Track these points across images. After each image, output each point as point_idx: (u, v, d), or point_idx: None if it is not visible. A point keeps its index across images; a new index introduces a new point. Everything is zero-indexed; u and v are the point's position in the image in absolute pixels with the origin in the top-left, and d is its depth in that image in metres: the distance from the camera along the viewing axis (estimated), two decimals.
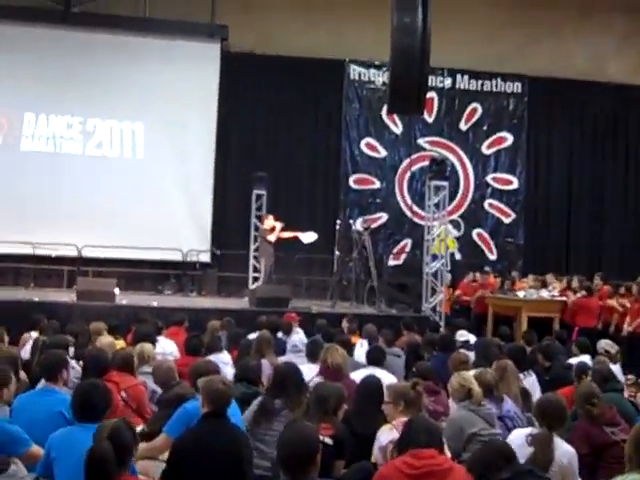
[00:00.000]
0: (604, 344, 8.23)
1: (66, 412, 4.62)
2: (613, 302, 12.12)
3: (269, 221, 13.65)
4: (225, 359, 7.25)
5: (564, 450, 4.56)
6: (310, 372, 6.43)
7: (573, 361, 7.74)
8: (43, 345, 6.60)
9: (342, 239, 14.51)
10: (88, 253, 14.86)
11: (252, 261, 15.26)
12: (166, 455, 4.40)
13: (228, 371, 6.81)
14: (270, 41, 15.94)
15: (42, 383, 5.26)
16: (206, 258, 15.84)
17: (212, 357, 7.23)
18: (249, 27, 15.86)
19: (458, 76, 17.38)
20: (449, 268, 14.82)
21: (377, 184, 17.08)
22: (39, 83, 15.24)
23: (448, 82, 17.33)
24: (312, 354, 6.96)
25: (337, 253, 14.58)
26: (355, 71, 17.10)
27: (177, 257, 15.46)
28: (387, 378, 6.30)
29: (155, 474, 4.53)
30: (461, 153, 17.42)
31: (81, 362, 6.20)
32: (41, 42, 15.25)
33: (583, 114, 17.82)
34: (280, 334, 8.74)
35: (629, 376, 10.01)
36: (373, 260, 13.94)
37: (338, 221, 15.49)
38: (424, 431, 4.08)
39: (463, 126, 17.46)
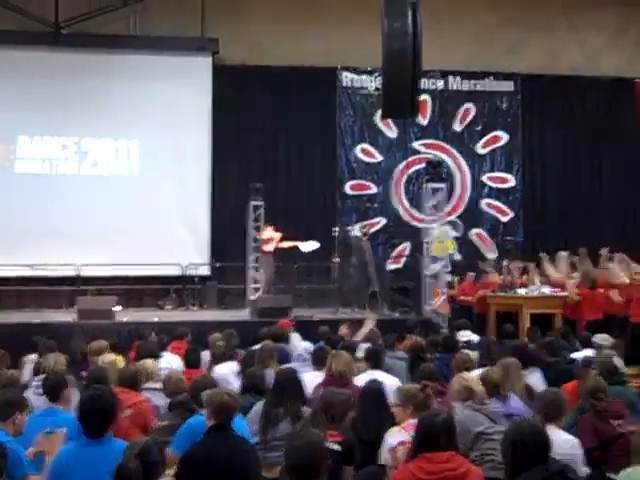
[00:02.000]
0: (597, 338, 8.27)
1: (71, 431, 4.61)
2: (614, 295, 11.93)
3: (267, 232, 13.69)
4: (235, 368, 7.28)
5: (565, 439, 4.59)
6: (316, 379, 6.44)
7: (576, 356, 7.75)
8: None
9: (341, 246, 14.53)
10: (87, 272, 14.86)
11: (250, 272, 15.23)
12: (173, 471, 4.39)
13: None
14: (261, 52, 15.97)
15: (44, 404, 5.23)
16: (205, 271, 15.82)
17: (223, 366, 7.27)
18: (239, 39, 15.91)
19: (450, 77, 17.41)
20: (449, 269, 14.80)
21: (374, 189, 17.09)
22: (32, 106, 15.27)
23: (440, 84, 17.36)
24: (318, 361, 6.96)
25: (336, 260, 14.59)
26: (347, 78, 17.12)
27: (176, 271, 15.42)
28: (388, 380, 6.31)
29: None
30: (456, 154, 17.43)
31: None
32: (32, 64, 15.29)
33: (577, 109, 17.84)
34: (283, 344, 8.73)
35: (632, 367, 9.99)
36: (373, 265, 13.94)
37: (336, 228, 15.49)
38: (440, 431, 4.04)
39: (457, 127, 17.48)
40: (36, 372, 6.66)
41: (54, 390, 5.08)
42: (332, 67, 16.87)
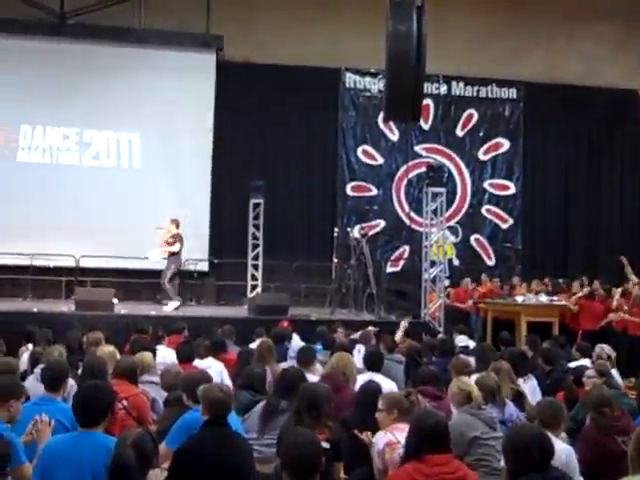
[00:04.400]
0: (602, 349, 8.23)
1: (66, 421, 4.60)
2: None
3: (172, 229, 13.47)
4: (206, 364, 7.24)
5: (562, 448, 4.56)
6: (311, 379, 6.40)
7: (574, 365, 7.75)
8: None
9: (340, 246, 14.52)
10: (86, 263, 14.82)
11: (249, 269, 15.21)
12: (167, 464, 4.37)
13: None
14: (266, 50, 15.95)
15: (41, 392, 5.21)
16: (204, 267, 15.80)
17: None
18: (245, 37, 15.90)
19: (453, 83, 17.40)
20: (447, 274, 14.81)
21: (374, 191, 17.07)
22: (35, 95, 15.23)
23: (444, 89, 17.34)
24: (303, 361, 6.83)
25: (335, 260, 14.55)
26: (351, 79, 17.11)
27: None
28: (385, 383, 6.27)
29: None
30: (458, 159, 17.42)
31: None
32: (36, 54, 15.25)
33: (578, 118, 17.79)
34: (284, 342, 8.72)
35: (631, 379, 9.98)
36: (371, 267, 13.94)
37: (336, 229, 15.47)
38: (434, 431, 4.02)
39: (459, 132, 17.47)
40: (33, 360, 6.65)
41: (55, 380, 5.07)
42: (336, 68, 16.86)
